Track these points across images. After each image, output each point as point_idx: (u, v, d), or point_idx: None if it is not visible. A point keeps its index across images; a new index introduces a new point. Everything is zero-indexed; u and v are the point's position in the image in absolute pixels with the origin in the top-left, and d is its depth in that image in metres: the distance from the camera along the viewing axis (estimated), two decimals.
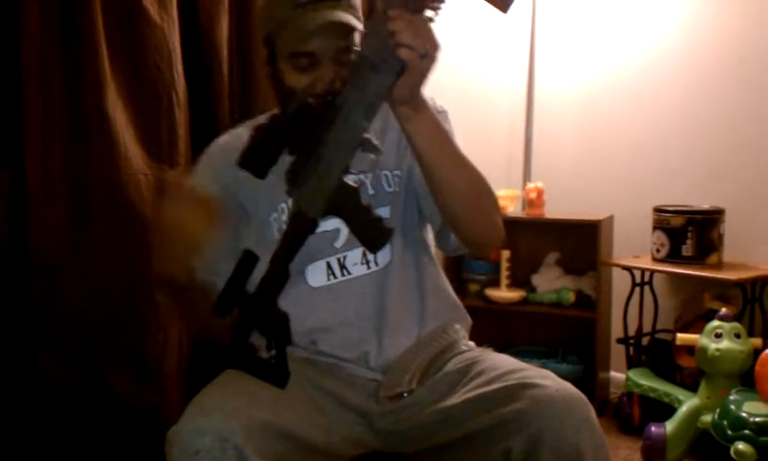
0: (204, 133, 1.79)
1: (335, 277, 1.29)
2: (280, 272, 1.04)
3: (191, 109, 1.77)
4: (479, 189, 1.17)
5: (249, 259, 1.03)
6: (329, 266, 1.29)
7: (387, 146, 1.30)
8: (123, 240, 1.61)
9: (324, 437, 1.14)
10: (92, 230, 1.58)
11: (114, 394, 1.61)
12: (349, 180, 1.05)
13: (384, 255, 1.29)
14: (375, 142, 1.02)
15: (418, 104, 1.06)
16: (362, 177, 1.28)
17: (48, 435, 1.53)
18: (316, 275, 1.29)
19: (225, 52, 1.83)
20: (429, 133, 1.09)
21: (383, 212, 1.27)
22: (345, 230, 1.26)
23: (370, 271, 1.29)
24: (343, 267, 1.29)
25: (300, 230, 1.04)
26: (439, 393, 1.19)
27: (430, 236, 1.40)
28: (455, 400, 1.16)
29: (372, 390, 1.25)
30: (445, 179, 1.13)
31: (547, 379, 1.10)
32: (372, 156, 1.11)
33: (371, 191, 1.29)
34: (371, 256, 1.29)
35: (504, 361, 1.20)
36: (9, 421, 1.49)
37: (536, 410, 1.05)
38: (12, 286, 1.49)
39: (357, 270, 1.29)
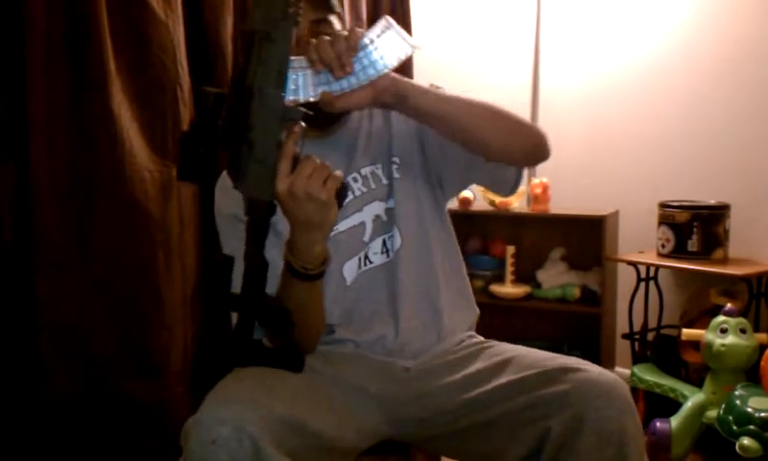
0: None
1: (360, 268, 1.32)
2: (257, 264, 1.06)
3: (196, 106, 1.77)
4: (494, 109, 1.22)
5: (225, 263, 1.05)
6: (360, 260, 1.32)
7: (377, 138, 1.35)
8: (127, 236, 1.61)
9: (336, 432, 1.14)
10: (97, 225, 1.58)
11: (118, 391, 1.61)
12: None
13: (396, 242, 1.32)
14: (301, 109, 1.03)
15: (399, 93, 1.12)
16: (373, 168, 1.33)
17: (51, 431, 1.53)
18: (351, 270, 1.31)
19: (230, 48, 1.83)
20: (426, 105, 1.16)
21: (391, 203, 1.33)
22: (370, 223, 1.31)
23: (387, 259, 1.32)
24: (366, 257, 1.32)
25: (258, 217, 1.06)
26: (471, 383, 1.21)
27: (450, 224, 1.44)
28: (489, 386, 1.18)
29: (393, 374, 1.27)
30: (465, 123, 1.19)
31: (587, 364, 1.13)
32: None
33: (373, 185, 1.32)
34: (389, 245, 1.32)
35: (537, 351, 1.23)
36: (12, 416, 1.49)
37: (580, 391, 1.07)
38: (16, 282, 1.49)
39: (377, 259, 1.32)
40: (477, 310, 1.44)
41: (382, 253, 1.32)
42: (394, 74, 1.12)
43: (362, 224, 1.31)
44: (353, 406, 1.21)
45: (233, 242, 1.21)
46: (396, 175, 1.33)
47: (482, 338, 1.38)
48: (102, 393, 1.60)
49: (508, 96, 2.93)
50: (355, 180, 1.32)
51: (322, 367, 1.23)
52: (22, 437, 1.50)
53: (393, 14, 2.52)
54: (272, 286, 1.10)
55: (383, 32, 1.09)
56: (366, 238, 1.31)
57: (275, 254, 1.13)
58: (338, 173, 1.06)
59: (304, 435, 1.07)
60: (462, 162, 1.29)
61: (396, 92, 1.12)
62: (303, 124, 1.04)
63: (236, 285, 1.08)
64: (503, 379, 1.17)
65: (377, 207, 1.32)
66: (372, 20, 2.32)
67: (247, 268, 1.06)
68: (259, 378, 1.08)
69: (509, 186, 1.37)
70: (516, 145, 1.24)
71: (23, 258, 1.49)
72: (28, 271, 1.49)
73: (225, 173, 1.31)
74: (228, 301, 1.07)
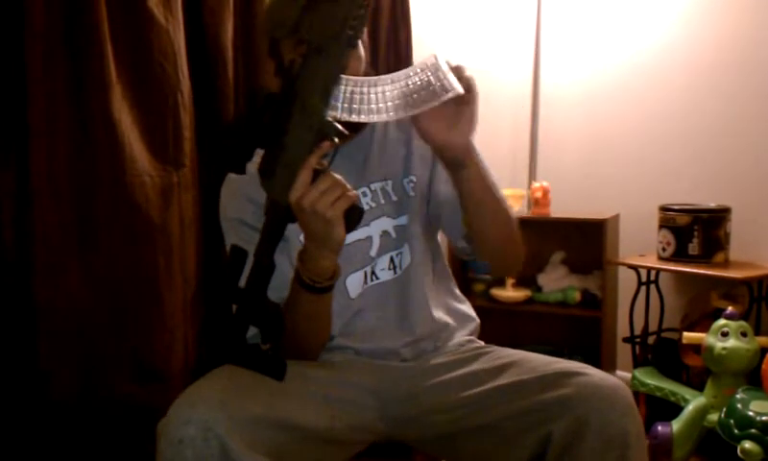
0: (209, 135, 1.80)
1: (366, 283, 1.32)
2: (265, 263, 1.07)
3: (196, 111, 1.77)
4: (511, 224, 1.29)
5: (238, 255, 1.06)
6: (366, 275, 1.32)
7: (391, 152, 1.36)
8: (128, 241, 1.62)
9: (328, 424, 1.15)
10: (97, 230, 1.58)
11: (118, 395, 1.61)
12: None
13: (405, 259, 1.33)
14: (338, 126, 1.04)
15: (464, 156, 1.16)
16: (384, 184, 1.34)
17: (51, 433, 1.53)
18: (354, 285, 1.31)
19: (230, 53, 1.83)
20: (477, 183, 1.19)
21: (402, 220, 1.33)
22: (377, 238, 1.31)
23: (395, 276, 1.32)
24: (373, 273, 1.32)
25: (277, 219, 1.07)
26: (469, 383, 1.22)
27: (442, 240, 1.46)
28: (487, 387, 1.19)
29: (390, 373, 1.28)
30: (485, 217, 1.23)
31: (588, 368, 1.13)
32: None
33: (382, 201, 1.33)
34: (397, 262, 1.33)
35: (538, 356, 1.23)
36: (12, 418, 1.49)
37: (582, 395, 1.07)
38: (16, 286, 1.49)
39: (384, 275, 1.33)
40: (477, 320, 1.45)
41: (389, 269, 1.32)
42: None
43: (369, 238, 1.31)
44: (350, 400, 1.21)
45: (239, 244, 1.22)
46: (411, 193, 1.34)
47: (482, 343, 1.38)
48: (102, 395, 1.60)
49: (508, 99, 2.95)
50: (365, 194, 1.32)
51: (316, 372, 1.23)
52: (22, 439, 1.50)
53: (392, 11, 2.49)
54: (273, 291, 1.10)
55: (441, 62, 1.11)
56: (373, 253, 1.31)
57: (280, 260, 1.13)
58: (352, 193, 1.06)
59: (288, 430, 1.07)
60: (445, 218, 1.34)
61: (465, 156, 1.16)
62: (337, 140, 1.05)
63: (240, 283, 1.09)
64: (502, 381, 1.18)
65: (385, 223, 1.32)
66: (372, 20, 2.33)
67: (255, 265, 1.07)
68: (233, 380, 1.08)
69: (462, 254, 1.38)
70: (501, 258, 1.33)
71: (23, 262, 1.49)
72: (28, 274, 1.50)
73: (230, 175, 1.32)
74: (233, 292, 1.08)
